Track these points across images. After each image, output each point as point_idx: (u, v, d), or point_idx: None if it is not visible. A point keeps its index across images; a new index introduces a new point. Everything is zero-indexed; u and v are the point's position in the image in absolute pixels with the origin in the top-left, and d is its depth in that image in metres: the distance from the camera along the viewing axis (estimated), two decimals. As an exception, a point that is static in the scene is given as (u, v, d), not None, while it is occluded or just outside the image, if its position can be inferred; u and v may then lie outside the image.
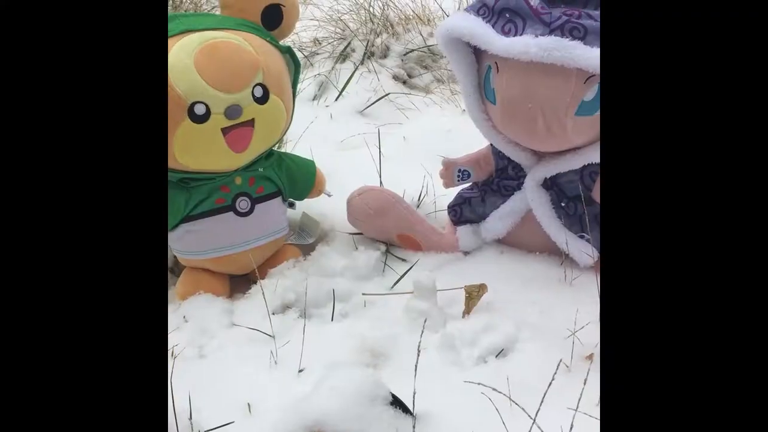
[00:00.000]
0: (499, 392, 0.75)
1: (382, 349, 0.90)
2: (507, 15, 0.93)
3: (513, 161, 1.08)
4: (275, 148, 1.11)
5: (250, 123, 0.95)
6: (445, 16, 2.23)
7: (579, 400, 0.70)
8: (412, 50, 2.05)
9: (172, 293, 1.07)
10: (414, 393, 0.74)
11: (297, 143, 1.52)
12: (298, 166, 1.14)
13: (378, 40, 2.09)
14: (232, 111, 0.92)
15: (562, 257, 1.08)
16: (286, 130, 1.08)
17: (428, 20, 2.22)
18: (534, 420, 0.69)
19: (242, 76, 0.92)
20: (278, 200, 1.08)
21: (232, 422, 0.78)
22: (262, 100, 0.95)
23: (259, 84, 0.95)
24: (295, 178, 1.13)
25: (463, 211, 1.16)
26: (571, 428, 0.69)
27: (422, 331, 0.81)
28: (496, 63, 0.96)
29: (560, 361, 0.76)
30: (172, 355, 0.89)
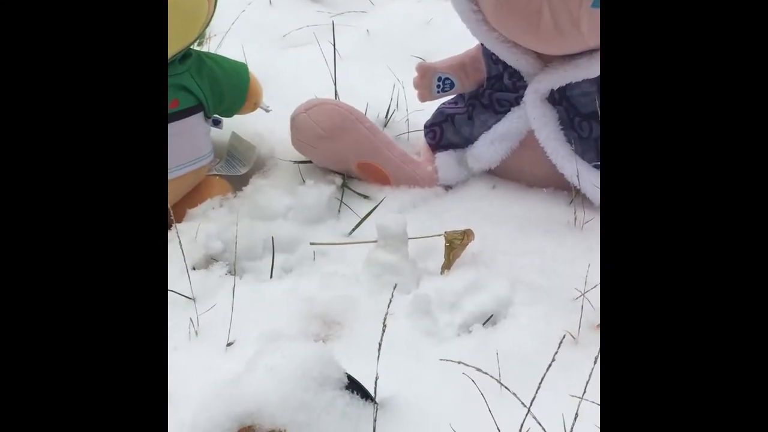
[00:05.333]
0: (485, 373, 0.75)
1: (335, 315, 0.91)
2: None
3: (510, 67, 1.07)
4: (194, 47, 1.09)
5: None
6: None
7: (587, 382, 0.70)
8: None
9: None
10: (377, 375, 0.74)
11: (224, 39, 1.48)
12: (226, 71, 1.13)
13: None
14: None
15: (572, 193, 1.09)
16: (209, 22, 1.06)
17: None
18: (529, 409, 0.70)
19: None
20: (198, 117, 1.08)
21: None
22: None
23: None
24: (222, 88, 1.12)
25: (444, 132, 1.16)
26: (575, 419, 0.69)
27: (392, 294, 0.80)
28: (489, -66, 0.94)
29: (565, 333, 0.77)
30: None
